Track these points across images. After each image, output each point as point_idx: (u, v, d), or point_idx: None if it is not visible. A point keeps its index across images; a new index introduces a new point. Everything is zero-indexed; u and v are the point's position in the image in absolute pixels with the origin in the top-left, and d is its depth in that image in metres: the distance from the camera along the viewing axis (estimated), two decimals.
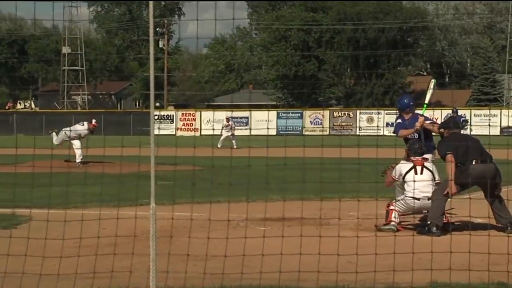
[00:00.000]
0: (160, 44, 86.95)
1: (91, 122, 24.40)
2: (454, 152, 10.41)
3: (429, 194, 10.59)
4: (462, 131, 12.26)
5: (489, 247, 7.44)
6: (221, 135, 38.86)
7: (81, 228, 7.81)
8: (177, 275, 7.09)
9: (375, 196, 8.88)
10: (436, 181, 10.81)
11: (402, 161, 11.04)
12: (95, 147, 24.68)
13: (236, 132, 40.76)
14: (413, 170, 10.74)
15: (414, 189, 10.47)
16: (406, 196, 10.69)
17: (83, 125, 24.13)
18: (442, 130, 11.06)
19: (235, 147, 36.12)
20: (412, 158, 10.91)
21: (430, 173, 10.76)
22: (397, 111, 12.19)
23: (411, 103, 11.89)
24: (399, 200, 10.77)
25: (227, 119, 40.68)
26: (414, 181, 10.52)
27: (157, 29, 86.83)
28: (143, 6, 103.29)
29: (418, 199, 10.58)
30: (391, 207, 10.74)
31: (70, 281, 6.98)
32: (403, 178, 10.81)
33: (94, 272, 6.95)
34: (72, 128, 24.15)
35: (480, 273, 7.13)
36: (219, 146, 35.94)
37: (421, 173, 10.72)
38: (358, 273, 6.90)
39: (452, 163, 10.37)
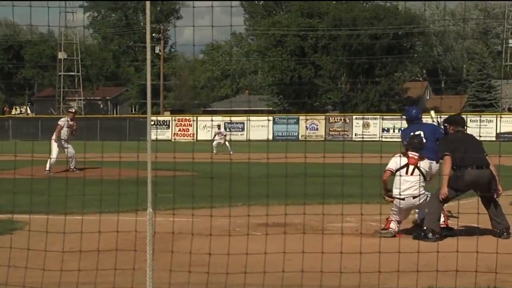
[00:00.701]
0: (156, 50, 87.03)
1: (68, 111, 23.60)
2: (452, 154, 10.43)
3: (415, 192, 10.58)
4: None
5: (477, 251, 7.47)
6: (214, 140, 38.92)
7: (81, 236, 7.82)
8: (176, 280, 7.11)
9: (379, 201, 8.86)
10: (428, 180, 10.82)
11: (400, 154, 10.90)
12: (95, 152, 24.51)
13: (232, 138, 40.93)
14: (405, 168, 10.67)
15: (399, 188, 10.50)
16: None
17: (66, 123, 22.41)
18: (447, 125, 11.07)
19: (231, 153, 36.16)
20: (409, 154, 10.84)
21: (420, 174, 10.70)
22: (406, 121, 12.29)
23: (420, 115, 12.09)
24: (392, 209, 10.77)
25: (218, 126, 40.90)
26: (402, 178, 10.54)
27: (153, 35, 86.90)
28: (139, 11, 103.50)
29: (403, 198, 10.59)
30: (390, 218, 10.79)
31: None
32: (395, 172, 10.76)
33: (97, 268, 6.96)
34: (64, 135, 22.21)
35: (487, 276, 7.16)
36: (214, 152, 35.95)
37: (412, 173, 10.67)
38: (362, 275, 6.92)
39: (449, 164, 10.43)
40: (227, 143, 38.44)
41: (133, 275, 7.00)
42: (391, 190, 10.92)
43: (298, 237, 8.47)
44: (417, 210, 11.34)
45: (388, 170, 10.83)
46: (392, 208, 10.73)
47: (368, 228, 10.67)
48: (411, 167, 10.70)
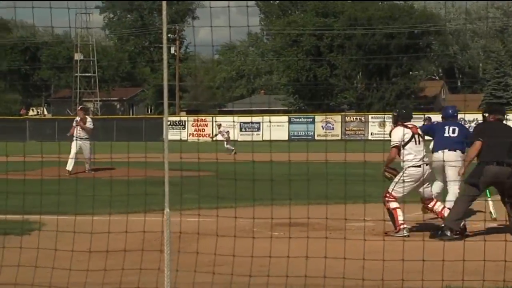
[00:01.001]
0: (172, 50, 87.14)
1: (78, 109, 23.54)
2: (482, 143, 10.45)
3: (427, 160, 10.80)
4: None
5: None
6: (223, 142, 38.70)
7: (91, 237, 7.88)
8: (198, 280, 7.14)
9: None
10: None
11: (397, 127, 10.94)
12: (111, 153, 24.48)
13: (249, 138, 40.95)
14: (413, 140, 10.74)
15: (417, 157, 10.65)
16: (407, 167, 10.68)
17: (76, 122, 22.44)
18: (486, 114, 11.10)
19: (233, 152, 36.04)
20: (408, 124, 10.91)
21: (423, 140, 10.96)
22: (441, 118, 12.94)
23: (455, 113, 12.76)
24: (396, 183, 10.65)
25: (219, 126, 40.85)
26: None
27: (169, 35, 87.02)
28: (155, 12, 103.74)
29: (419, 166, 10.65)
30: (393, 204, 10.63)
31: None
32: (404, 146, 10.76)
33: (122, 268, 7.01)
34: (75, 134, 22.12)
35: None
36: (233, 152, 35.81)
37: (419, 142, 10.80)
38: (380, 279, 6.94)
39: (476, 149, 10.44)
40: (227, 145, 37.94)
41: (157, 275, 7.05)
42: (393, 169, 10.96)
43: (318, 237, 8.48)
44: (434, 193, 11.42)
45: (396, 146, 10.82)
46: (406, 179, 10.58)
47: (387, 227, 10.64)
48: (417, 136, 10.81)
